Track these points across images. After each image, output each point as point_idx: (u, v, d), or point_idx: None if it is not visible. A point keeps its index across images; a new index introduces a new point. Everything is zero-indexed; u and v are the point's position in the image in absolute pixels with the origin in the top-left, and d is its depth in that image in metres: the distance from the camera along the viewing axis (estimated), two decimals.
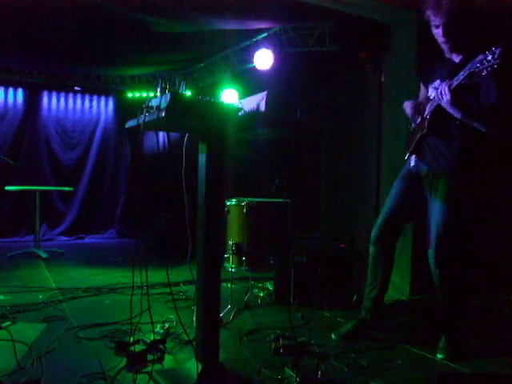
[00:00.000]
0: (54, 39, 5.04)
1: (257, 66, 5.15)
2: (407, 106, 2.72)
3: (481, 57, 2.15)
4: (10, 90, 6.85)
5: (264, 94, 2.26)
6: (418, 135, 2.62)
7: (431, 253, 2.54)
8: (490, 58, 2.11)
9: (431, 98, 2.60)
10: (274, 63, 5.04)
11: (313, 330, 2.91)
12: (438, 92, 2.39)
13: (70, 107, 7.31)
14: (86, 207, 7.26)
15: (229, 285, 3.35)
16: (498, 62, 2.09)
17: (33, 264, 4.91)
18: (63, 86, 7.15)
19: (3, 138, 6.70)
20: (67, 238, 6.97)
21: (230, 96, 5.56)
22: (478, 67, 2.18)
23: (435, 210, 2.52)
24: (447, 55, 2.57)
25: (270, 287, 3.86)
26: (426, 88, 2.73)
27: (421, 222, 2.75)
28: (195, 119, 1.99)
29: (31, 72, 6.74)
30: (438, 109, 2.47)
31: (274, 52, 5.02)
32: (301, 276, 3.49)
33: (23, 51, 5.67)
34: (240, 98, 2.46)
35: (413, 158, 2.66)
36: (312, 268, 3.52)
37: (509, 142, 3.19)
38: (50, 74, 6.85)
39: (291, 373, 2.14)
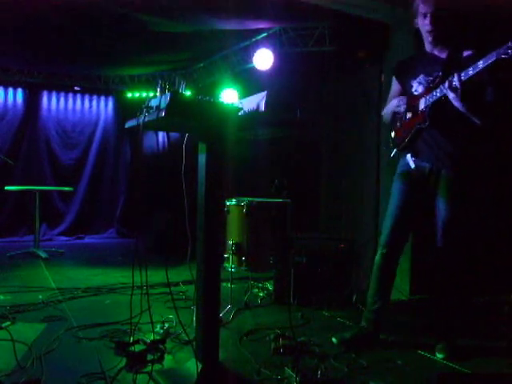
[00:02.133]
0: (53, 39, 5.04)
1: (256, 66, 5.15)
2: (401, 101, 2.66)
3: (509, 44, 2.05)
4: (10, 89, 6.87)
5: (264, 93, 2.26)
6: (413, 130, 2.58)
7: (440, 239, 2.54)
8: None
9: (416, 92, 2.58)
10: (273, 63, 5.04)
11: (313, 330, 2.91)
12: (446, 86, 2.33)
13: (70, 107, 7.32)
14: (85, 207, 7.27)
15: (229, 285, 3.35)
16: None
17: (32, 264, 4.91)
18: (63, 86, 7.16)
19: (3, 138, 6.71)
20: (67, 238, 6.97)
21: (229, 96, 5.56)
22: (508, 53, 2.05)
23: (442, 206, 2.52)
24: (429, 49, 2.56)
25: (270, 287, 3.86)
26: (404, 85, 2.71)
27: (421, 221, 2.74)
28: (195, 119, 1.99)
29: (31, 72, 6.74)
30: (440, 102, 2.42)
31: (273, 52, 5.02)
32: (301, 276, 3.49)
33: (23, 51, 5.67)
34: (240, 98, 2.46)
35: (410, 158, 2.62)
36: (312, 268, 3.52)
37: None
38: (49, 74, 6.85)
39: (291, 373, 2.14)
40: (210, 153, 2.06)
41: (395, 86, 2.81)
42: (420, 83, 2.56)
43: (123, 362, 2.29)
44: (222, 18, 4.34)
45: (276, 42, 5.07)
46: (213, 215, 2.08)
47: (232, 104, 2.04)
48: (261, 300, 3.61)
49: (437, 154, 2.53)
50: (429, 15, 2.44)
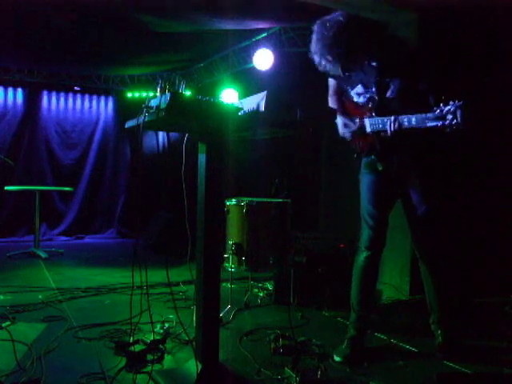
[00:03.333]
0: (54, 39, 5.04)
1: (256, 66, 5.15)
2: (346, 125, 2.64)
3: (437, 112, 2.10)
4: (10, 90, 6.86)
5: (264, 93, 2.26)
6: (368, 147, 2.57)
7: (418, 228, 2.56)
8: (450, 118, 2.05)
9: (360, 103, 2.55)
10: (273, 63, 5.04)
11: (313, 330, 2.91)
12: (387, 128, 2.35)
13: (70, 107, 7.32)
14: (85, 207, 7.27)
15: (228, 285, 3.35)
16: (461, 124, 2.03)
17: (32, 264, 4.91)
18: (63, 86, 7.16)
19: (3, 138, 6.71)
20: (67, 238, 6.98)
21: (229, 96, 5.56)
22: (437, 125, 2.11)
23: (416, 202, 2.52)
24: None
25: (270, 287, 3.86)
26: (340, 85, 2.70)
27: (405, 210, 2.73)
28: (195, 119, 1.99)
29: (31, 72, 6.74)
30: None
31: (273, 52, 5.02)
32: (301, 276, 3.49)
33: (23, 51, 5.67)
34: (240, 98, 2.46)
35: (377, 160, 2.59)
36: (312, 268, 3.51)
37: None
38: (50, 74, 6.86)
39: (291, 373, 2.14)
40: (210, 153, 2.06)
41: (333, 82, 2.78)
42: (358, 94, 2.55)
43: (123, 362, 2.30)
44: (222, 18, 4.34)
45: (276, 42, 5.07)
46: (213, 215, 2.08)
47: (232, 104, 2.04)
48: (261, 300, 3.61)
49: (402, 156, 2.52)
50: (339, 68, 2.43)
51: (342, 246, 3.68)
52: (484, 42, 3.69)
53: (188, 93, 6.72)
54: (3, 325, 2.76)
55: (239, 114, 2.08)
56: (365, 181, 2.69)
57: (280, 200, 3.54)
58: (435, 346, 2.56)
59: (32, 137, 6.96)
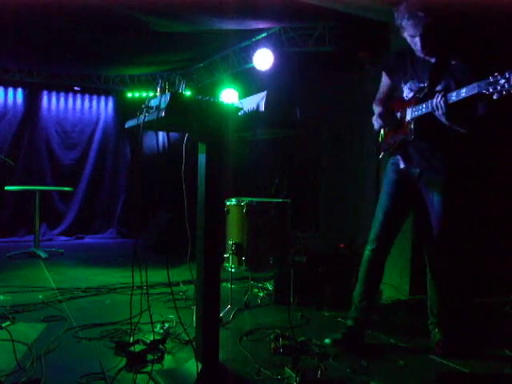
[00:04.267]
0: (54, 39, 5.04)
1: (256, 66, 5.15)
2: (377, 111, 2.68)
3: (491, 79, 2.08)
4: (10, 90, 6.86)
5: (264, 93, 2.26)
6: (400, 139, 2.59)
7: (433, 245, 2.56)
8: (502, 82, 2.03)
9: (406, 98, 2.58)
10: (273, 63, 5.04)
11: (313, 330, 2.91)
12: (433, 104, 2.34)
13: (70, 107, 7.32)
14: (85, 207, 7.27)
15: (228, 285, 3.35)
16: None
17: (32, 264, 4.91)
18: (63, 86, 7.15)
19: (3, 138, 6.71)
20: (67, 238, 6.98)
21: (229, 96, 5.56)
22: (488, 89, 2.09)
23: (435, 208, 2.53)
24: (419, 53, 2.55)
25: (270, 287, 3.86)
26: (394, 82, 2.71)
27: (419, 221, 2.74)
28: (195, 119, 1.99)
29: (31, 72, 6.74)
30: (426, 116, 2.44)
31: (273, 52, 5.02)
32: (301, 276, 3.49)
33: (23, 51, 5.67)
34: (240, 98, 2.46)
35: (401, 159, 2.64)
36: (312, 268, 3.51)
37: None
38: (50, 74, 6.85)
39: (291, 373, 2.14)
40: (210, 153, 2.06)
41: (385, 80, 2.80)
42: (410, 89, 2.56)
43: (123, 362, 2.29)
44: (222, 18, 4.34)
45: (276, 42, 5.07)
46: (213, 215, 2.08)
47: (232, 104, 2.04)
48: (261, 300, 3.61)
49: (427, 160, 2.54)
50: (418, 37, 2.43)
51: (341, 245, 3.68)
52: (485, 45, 3.68)
53: (188, 93, 6.72)
54: (3, 325, 2.76)
55: (239, 114, 2.08)
56: (386, 180, 2.73)
57: (280, 200, 3.54)
58: (433, 343, 2.58)
59: (32, 137, 6.96)
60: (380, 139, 2.79)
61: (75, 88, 7.27)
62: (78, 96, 7.37)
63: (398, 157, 2.66)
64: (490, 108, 2.34)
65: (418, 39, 2.44)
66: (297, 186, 4.67)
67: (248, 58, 5.51)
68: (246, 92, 5.23)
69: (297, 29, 4.89)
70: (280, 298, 3.54)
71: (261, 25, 4.83)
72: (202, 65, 6.47)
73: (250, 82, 5.65)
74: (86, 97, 7.42)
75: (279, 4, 3.90)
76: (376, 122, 2.72)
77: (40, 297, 3.52)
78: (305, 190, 5.31)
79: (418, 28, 2.39)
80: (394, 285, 3.85)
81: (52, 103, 7.18)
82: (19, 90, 6.92)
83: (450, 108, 2.29)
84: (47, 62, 6.33)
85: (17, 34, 4.86)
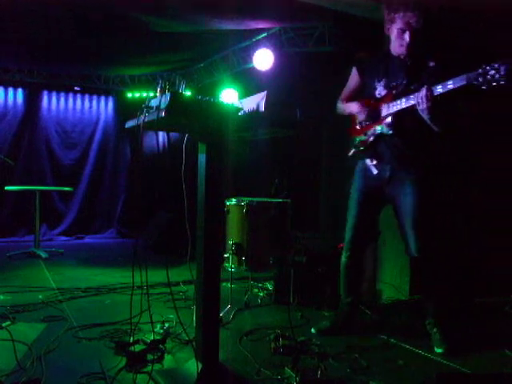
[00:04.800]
0: (54, 39, 5.04)
1: (256, 66, 5.15)
2: (362, 108, 2.68)
3: (480, 70, 2.09)
4: (10, 89, 6.86)
5: (264, 94, 2.26)
6: (376, 134, 2.61)
7: (414, 247, 2.58)
8: (492, 72, 2.05)
9: (379, 95, 2.59)
10: (273, 63, 5.04)
11: None
12: (417, 96, 2.35)
13: (70, 107, 7.32)
14: (85, 207, 7.27)
15: (228, 285, 3.35)
16: (506, 78, 2.02)
17: (32, 264, 4.91)
18: (63, 86, 7.15)
19: (3, 138, 6.71)
20: (67, 238, 6.98)
21: (229, 96, 5.56)
22: (478, 81, 2.10)
23: (408, 208, 2.56)
24: (395, 53, 2.58)
25: (270, 287, 3.86)
26: (365, 82, 2.73)
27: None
28: (195, 119, 1.99)
29: (31, 72, 6.74)
30: (405, 111, 2.45)
31: (273, 52, 5.02)
32: (301, 276, 3.49)
33: (23, 51, 5.67)
34: (240, 98, 2.46)
35: (371, 163, 2.66)
36: (312, 268, 3.52)
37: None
38: (50, 74, 6.85)
39: (291, 372, 2.14)
40: (210, 153, 2.06)
41: (355, 77, 2.81)
42: (385, 87, 2.58)
43: (123, 362, 2.29)
44: (222, 18, 4.34)
45: (276, 42, 5.07)
46: (213, 215, 2.08)
47: (232, 104, 2.04)
48: (261, 300, 3.61)
49: (398, 157, 2.56)
50: (408, 32, 2.45)
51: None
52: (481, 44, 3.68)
53: (188, 93, 6.72)
54: (3, 325, 2.76)
55: (239, 114, 2.08)
56: (355, 186, 2.80)
57: (280, 200, 3.54)
58: (432, 343, 2.59)
59: (32, 137, 6.96)
60: (351, 139, 2.80)
61: (75, 88, 7.27)
62: (78, 96, 7.37)
63: (368, 161, 2.68)
64: (468, 108, 2.37)
65: (407, 35, 2.45)
66: (297, 185, 4.66)
67: (248, 58, 5.51)
68: (246, 92, 5.23)
69: (297, 29, 4.89)
70: (280, 297, 3.54)
71: (261, 25, 4.83)
72: (202, 65, 6.48)
73: (249, 81, 5.65)
74: (86, 97, 7.43)
75: (279, 4, 3.90)
76: (359, 112, 2.70)
77: (40, 297, 3.52)
78: (305, 189, 5.30)
79: (412, 21, 2.41)
80: (394, 285, 3.84)
81: (52, 103, 7.18)
82: (19, 90, 6.92)
83: (433, 102, 2.30)
84: (47, 62, 6.33)
85: (17, 34, 4.86)
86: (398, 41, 2.53)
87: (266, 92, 2.26)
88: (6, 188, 5.61)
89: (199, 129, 2.10)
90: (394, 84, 2.55)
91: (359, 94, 2.78)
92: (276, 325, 2.91)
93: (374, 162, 2.65)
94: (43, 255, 5.21)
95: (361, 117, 2.70)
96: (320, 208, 5.42)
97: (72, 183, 6.77)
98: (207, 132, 2.06)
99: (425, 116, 2.39)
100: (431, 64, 2.47)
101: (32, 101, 7.01)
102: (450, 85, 2.23)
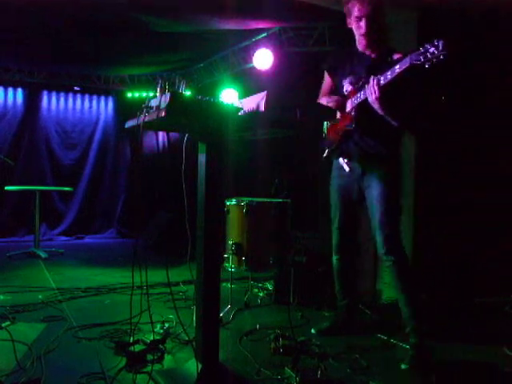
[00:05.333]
0: (54, 39, 5.05)
1: (256, 66, 5.15)
2: (332, 102, 2.68)
3: (421, 49, 2.08)
4: (10, 90, 6.86)
5: (264, 93, 2.25)
6: (343, 132, 2.61)
7: (380, 242, 2.53)
8: (432, 50, 2.04)
9: (346, 92, 2.59)
10: (273, 63, 5.04)
11: None
12: (368, 87, 2.35)
13: (70, 107, 7.32)
14: (85, 207, 7.27)
15: (228, 285, 3.35)
16: (444, 53, 2.01)
17: (32, 264, 4.91)
18: (63, 86, 7.15)
19: (3, 138, 6.71)
20: (67, 238, 6.97)
21: (229, 96, 5.56)
22: (419, 59, 2.08)
23: (374, 203, 2.54)
24: (361, 48, 2.59)
25: (270, 287, 3.86)
26: (335, 82, 2.73)
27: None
28: (195, 119, 1.99)
29: (31, 72, 6.74)
30: (364, 104, 2.44)
31: (273, 52, 5.02)
32: (301, 276, 3.49)
33: (23, 51, 5.67)
34: (240, 98, 2.46)
35: (343, 161, 2.66)
36: (312, 268, 3.51)
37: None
38: (50, 73, 6.86)
39: (291, 372, 2.14)
40: (210, 153, 2.06)
41: (327, 79, 2.83)
42: (350, 83, 2.58)
43: (123, 361, 2.29)
44: (222, 18, 4.34)
45: (276, 42, 5.07)
46: (213, 215, 2.08)
47: (232, 104, 2.04)
48: (261, 300, 3.61)
49: (365, 154, 2.56)
50: (364, 19, 2.46)
51: None
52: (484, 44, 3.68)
53: (188, 93, 6.71)
54: (3, 325, 2.76)
55: (239, 113, 2.08)
56: (332, 187, 2.83)
57: (280, 200, 3.54)
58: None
59: (32, 137, 6.96)
60: (324, 136, 2.80)
61: (75, 88, 7.27)
62: (78, 96, 7.36)
63: (340, 159, 2.69)
64: (415, 98, 2.37)
65: (363, 22, 2.46)
66: (297, 185, 4.66)
67: (248, 58, 5.51)
68: (246, 92, 5.22)
69: (297, 29, 4.90)
70: (280, 297, 3.54)
71: (261, 25, 4.83)
72: (202, 65, 6.48)
73: (249, 81, 5.64)
74: (86, 97, 7.42)
75: (279, 4, 3.90)
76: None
77: (40, 297, 3.52)
78: (305, 190, 5.30)
79: (365, 7, 2.42)
80: (395, 284, 3.84)
81: (52, 103, 7.18)
82: (19, 90, 6.92)
83: (382, 93, 2.29)
84: (47, 62, 6.33)
85: (17, 34, 4.86)
86: (357, 32, 2.54)
87: (265, 92, 2.26)
88: (6, 188, 5.61)
89: (199, 129, 2.10)
90: (357, 78, 2.54)
91: (335, 93, 2.78)
92: (276, 325, 2.91)
93: (346, 160, 2.65)
94: (43, 255, 5.21)
95: (336, 107, 2.70)
96: (320, 208, 5.42)
97: (72, 183, 6.77)
98: (207, 132, 2.06)
99: (376, 108, 2.37)
100: (396, 56, 2.43)
101: (32, 101, 7.00)
102: (397, 69, 2.21)
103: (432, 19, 3.57)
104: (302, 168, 5.40)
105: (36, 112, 7.03)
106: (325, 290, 3.44)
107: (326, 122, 2.79)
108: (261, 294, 3.77)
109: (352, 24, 2.55)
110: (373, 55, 2.56)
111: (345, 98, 2.62)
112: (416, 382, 2.26)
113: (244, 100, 2.31)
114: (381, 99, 2.31)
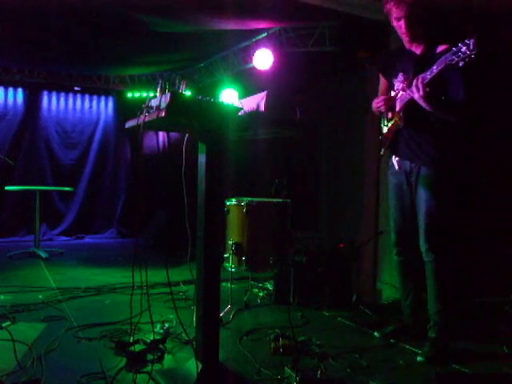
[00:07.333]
0: (54, 39, 5.04)
1: (256, 66, 5.15)
2: (379, 102, 2.69)
3: (454, 49, 2.12)
4: (10, 89, 6.86)
5: (264, 94, 2.26)
6: (393, 130, 2.64)
7: (422, 241, 2.54)
8: (464, 49, 2.08)
9: (397, 91, 2.62)
10: (273, 63, 5.04)
11: (313, 330, 2.91)
12: (412, 86, 2.37)
13: (70, 107, 7.32)
14: (85, 207, 7.27)
15: (228, 285, 3.35)
16: (474, 52, 2.05)
17: (33, 264, 4.91)
18: (63, 86, 7.14)
19: (3, 138, 6.70)
20: (67, 238, 6.97)
21: (229, 96, 5.56)
22: (453, 59, 2.13)
23: (421, 201, 2.55)
24: (407, 46, 2.61)
25: (270, 287, 3.86)
26: (389, 81, 2.75)
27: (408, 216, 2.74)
28: (195, 119, 1.99)
29: (31, 72, 6.73)
30: (411, 102, 2.47)
31: (273, 52, 5.02)
32: (301, 276, 3.49)
33: (23, 51, 5.67)
34: (240, 98, 2.46)
35: (394, 160, 2.69)
36: (312, 268, 3.52)
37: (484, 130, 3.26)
38: (50, 73, 6.85)
39: (291, 372, 2.14)
40: (210, 153, 2.06)
41: (382, 80, 2.86)
42: (400, 82, 2.61)
43: (123, 361, 2.30)
44: (222, 18, 4.34)
45: (276, 42, 5.07)
46: (213, 215, 2.08)
47: (232, 104, 2.04)
48: (261, 300, 3.61)
49: (415, 153, 2.57)
50: (403, 19, 2.47)
51: (341, 245, 3.68)
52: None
53: (188, 93, 6.70)
54: (3, 325, 2.76)
55: (239, 113, 2.08)
56: (389, 185, 2.80)
57: (280, 200, 3.54)
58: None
59: (32, 137, 6.96)
60: (380, 136, 2.83)
61: (75, 88, 7.26)
62: (78, 96, 7.36)
63: (392, 157, 2.71)
64: (465, 91, 2.36)
65: (402, 22, 2.47)
66: (297, 185, 4.67)
67: (248, 58, 5.51)
68: (246, 92, 5.22)
69: (297, 29, 4.89)
70: (280, 297, 3.54)
71: (261, 25, 4.83)
72: (202, 65, 6.47)
73: (249, 81, 5.65)
74: (86, 97, 7.42)
75: (279, 4, 3.90)
76: (378, 107, 2.72)
77: (40, 297, 3.52)
78: (305, 190, 5.30)
79: (401, 8, 2.43)
80: (394, 285, 3.84)
81: (52, 103, 7.17)
82: (19, 90, 6.91)
83: (426, 90, 2.30)
84: (47, 62, 6.32)
85: (17, 34, 4.86)
86: (398, 31, 2.57)
87: (265, 92, 2.26)
88: (6, 188, 5.61)
89: (199, 129, 2.10)
90: (405, 77, 2.56)
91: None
92: (276, 325, 2.91)
93: (397, 158, 2.68)
94: (43, 255, 5.21)
95: (385, 114, 2.75)
96: (320, 208, 5.43)
97: (72, 183, 6.77)
98: (207, 132, 2.07)
99: (423, 105, 2.38)
100: (440, 49, 2.44)
101: (32, 101, 7.00)
102: (435, 69, 2.25)
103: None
104: (302, 168, 5.41)
105: (36, 112, 7.02)
106: (325, 290, 3.45)
107: (382, 121, 2.80)
108: (261, 294, 3.77)
109: (393, 23, 2.57)
110: (417, 51, 2.57)
111: (394, 97, 2.64)
112: (416, 382, 2.26)
113: (244, 100, 2.31)
114: (425, 97, 2.33)
